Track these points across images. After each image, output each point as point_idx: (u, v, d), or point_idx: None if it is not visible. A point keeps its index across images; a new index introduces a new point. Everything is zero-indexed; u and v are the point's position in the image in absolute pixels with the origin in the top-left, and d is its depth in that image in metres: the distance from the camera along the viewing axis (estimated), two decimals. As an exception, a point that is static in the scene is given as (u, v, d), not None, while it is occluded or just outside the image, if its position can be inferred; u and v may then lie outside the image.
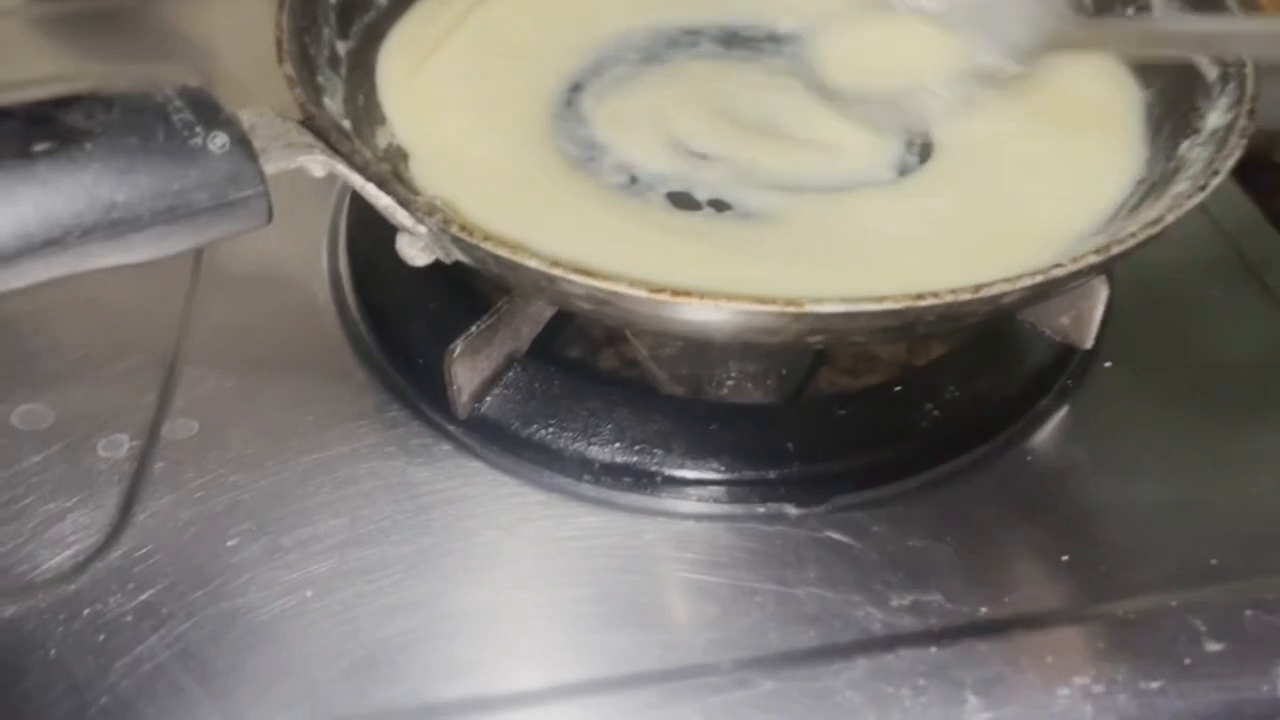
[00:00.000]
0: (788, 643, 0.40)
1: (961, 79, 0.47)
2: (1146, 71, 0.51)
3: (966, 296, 0.35)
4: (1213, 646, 0.40)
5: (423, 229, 0.38)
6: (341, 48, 0.50)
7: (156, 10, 0.70)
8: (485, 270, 0.39)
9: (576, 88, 0.52)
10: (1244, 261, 0.53)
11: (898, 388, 0.46)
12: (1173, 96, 0.48)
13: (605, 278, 0.35)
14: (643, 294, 0.35)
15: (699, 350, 0.49)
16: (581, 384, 0.46)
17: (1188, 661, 0.40)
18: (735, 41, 0.55)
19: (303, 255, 0.53)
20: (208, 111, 0.33)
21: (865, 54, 0.50)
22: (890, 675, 0.40)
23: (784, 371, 0.49)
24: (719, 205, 0.47)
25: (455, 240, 0.37)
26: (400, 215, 0.38)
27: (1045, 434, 0.47)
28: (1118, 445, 0.47)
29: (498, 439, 0.45)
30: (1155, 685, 0.40)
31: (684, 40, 0.54)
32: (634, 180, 0.47)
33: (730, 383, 0.49)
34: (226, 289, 0.52)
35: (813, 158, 0.47)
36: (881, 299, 0.35)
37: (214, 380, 0.48)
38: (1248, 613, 0.41)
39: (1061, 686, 0.39)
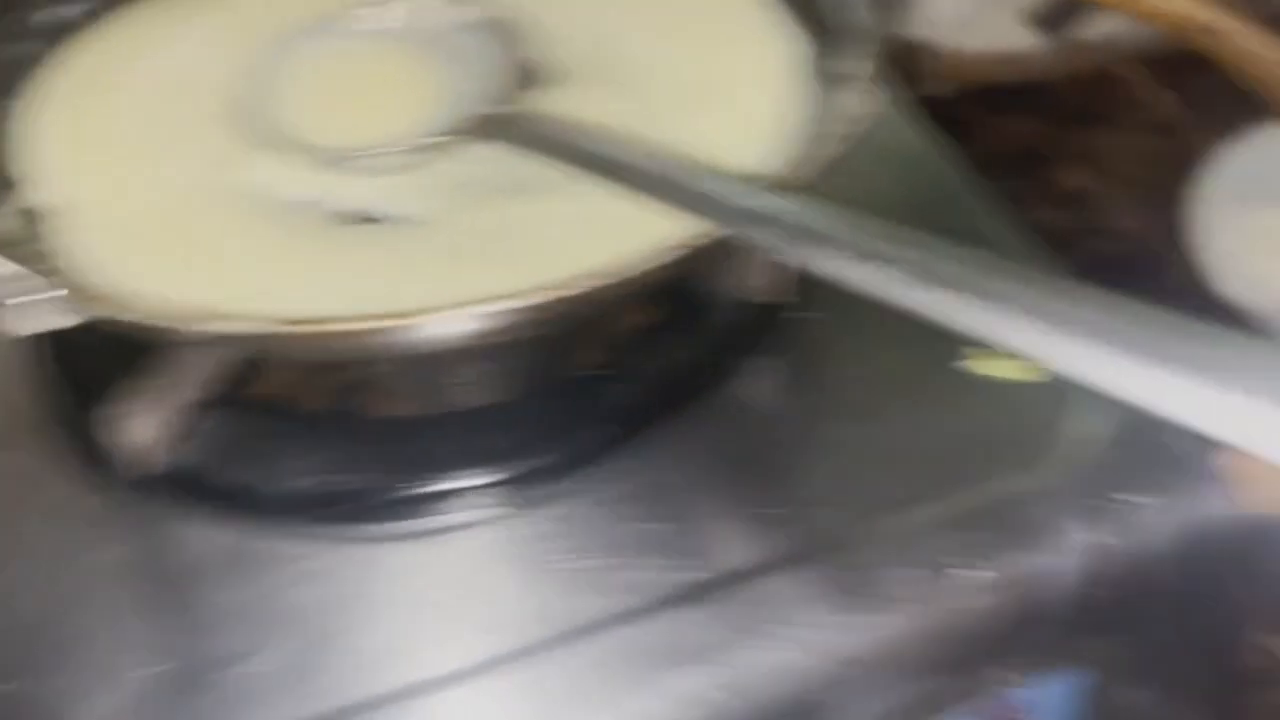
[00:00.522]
0: (510, 644, 0.40)
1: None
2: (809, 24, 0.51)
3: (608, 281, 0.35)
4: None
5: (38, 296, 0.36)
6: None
7: None
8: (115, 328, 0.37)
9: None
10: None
11: (608, 371, 0.46)
12: (831, 49, 0.49)
13: (221, 318, 0.34)
14: (245, 323, 0.34)
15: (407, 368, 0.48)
16: (271, 421, 0.45)
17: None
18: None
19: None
20: None
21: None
22: (601, 658, 0.40)
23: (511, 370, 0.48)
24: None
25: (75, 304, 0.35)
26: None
27: (746, 393, 0.48)
28: (815, 397, 0.48)
29: (183, 490, 0.43)
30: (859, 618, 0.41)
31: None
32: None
33: (457, 388, 0.48)
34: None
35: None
36: (526, 293, 0.35)
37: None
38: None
39: (767, 638, 0.40)
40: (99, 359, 0.46)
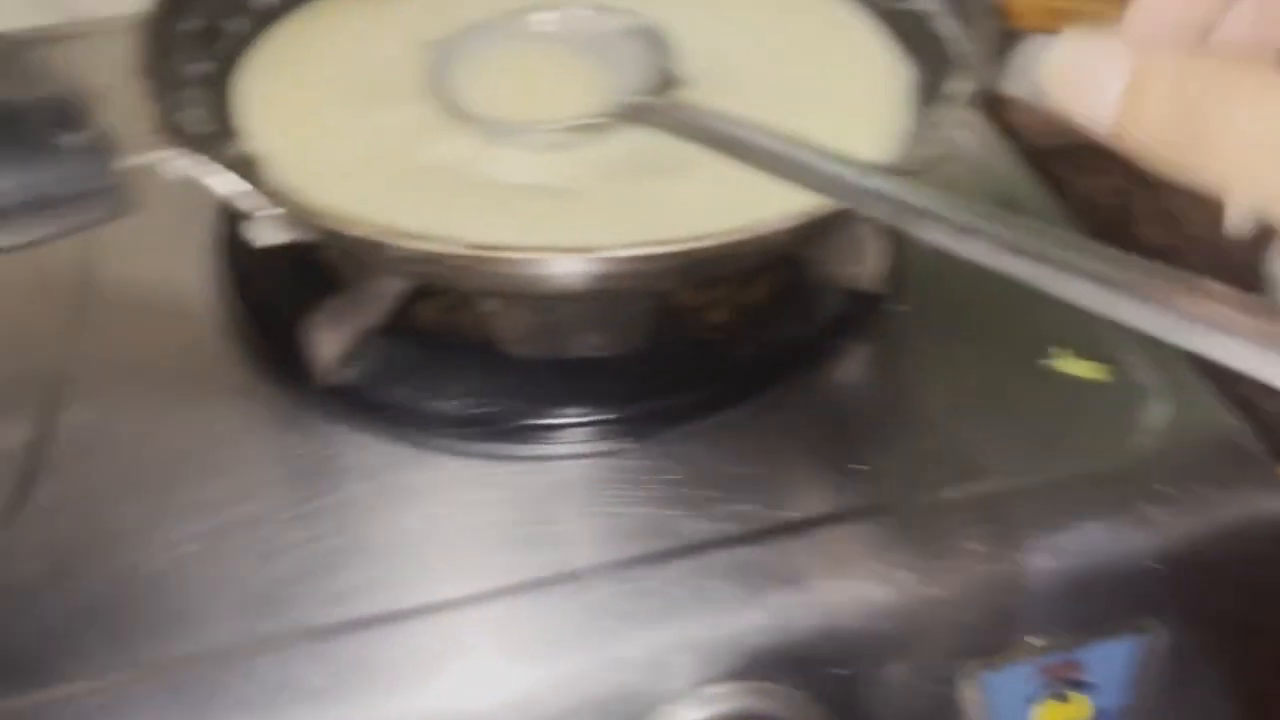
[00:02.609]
0: (611, 555, 0.46)
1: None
2: (907, 55, 0.58)
3: (738, 239, 0.42)
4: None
5: (272, 211, 0.43)
6: (198, 69, 0.55)
7: (31, 53, 0.75)
8: (332, 245, 0.44)
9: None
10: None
11: (718, 336, 0.53)
12: (930, 80, 0.55)
13: (415, 237, 0.41)
14: (451, 250, 0.41)
15: (548, 311, 0.55)
16: (435, 351, 0.52)
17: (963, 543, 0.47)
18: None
19: (188, 247, 0.58)
20: (65, 112, 0.39)
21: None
22: (700, 572, 0.45)
23: (617, 327, 0.54)
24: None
25: (294, 219, 0.43)
26: (240, 200, 0.43)
27: (850, 367, 0.54)
28: (906, 378, 0.54)
29: (359, 403, 0.51)
30: (933, 564, 0.46)
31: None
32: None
33: (576, 340, 0.55)
34: (113, 277, 0.56)
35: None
36: (664, 242, 0.41)
37: (104, 366, 0.53)
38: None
39: (855, 573, 0.46)
40: (294, 284, 0.54)
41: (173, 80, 0.52)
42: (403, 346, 0.52)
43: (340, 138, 0.54)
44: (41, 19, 0.76)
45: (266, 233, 0.44)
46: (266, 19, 0.60)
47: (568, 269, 0.42)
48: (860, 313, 0.55)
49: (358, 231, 0.41)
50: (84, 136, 0.38)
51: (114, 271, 0.57)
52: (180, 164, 0.42)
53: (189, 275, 0.57)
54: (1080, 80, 0.29)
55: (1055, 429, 0.52)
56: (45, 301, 0.55)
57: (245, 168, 0.51)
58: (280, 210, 0.43)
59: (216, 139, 0.52)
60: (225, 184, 0.42)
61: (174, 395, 0.52)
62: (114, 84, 0.71)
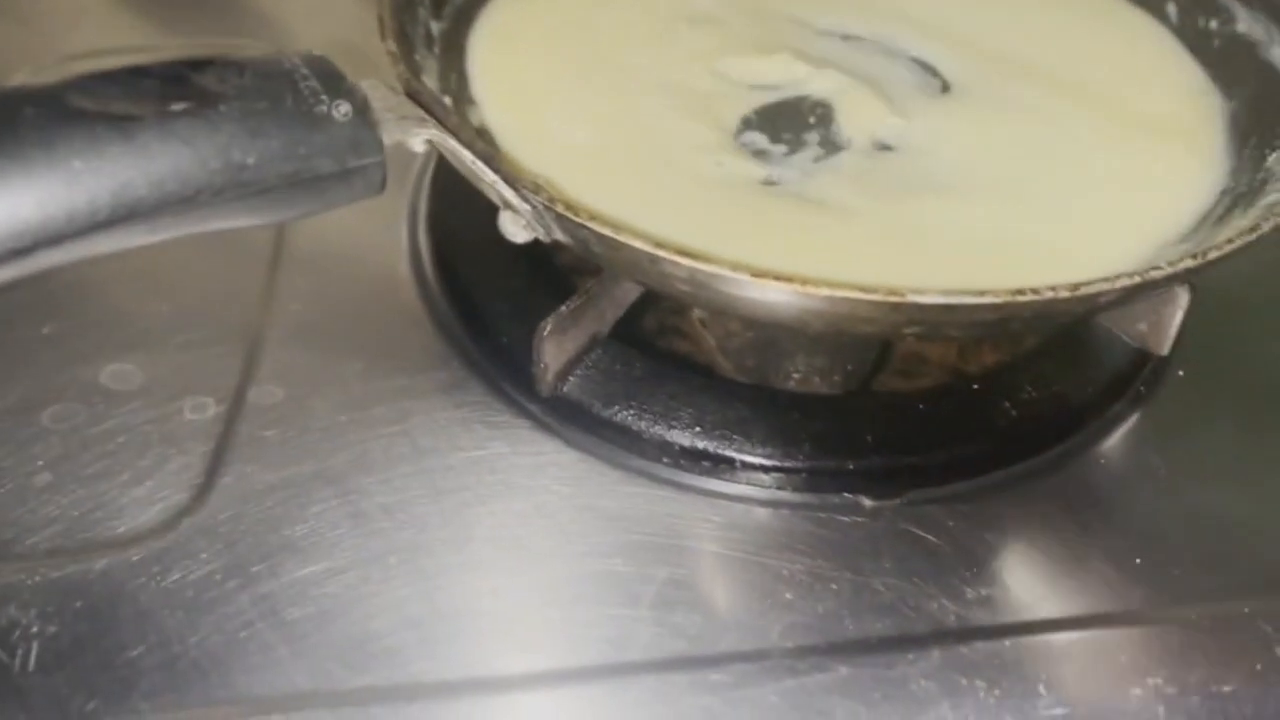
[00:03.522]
0: (863, 630, 0.41)
1: None
2: (1230, 81, 0.51)
3: (1065, 294, 0.36)
4: (1286, 653, 0.40)
5: (526, 206, 0.38)
6: (435, 28, 0.51)
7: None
8: (584, 250, 0.39)
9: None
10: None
11: (975, 385, 0.47)
12: (1259, 107, 0.49)
13: (707, 260, 0.36)
14: (745, 277, 0.36)
15: (769, 342, 0.50)
16: (662, 368, 0.47)
17: (1259, 667, 0.40)
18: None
19: (383, 229, 0.54)
20: (332, 80, 0.34)
21: None
22: (964, 666, 0.40)
23: (849, 367, 0.50)
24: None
25: (559, 218, 0.38)
26: (505, 192, 0.38)
27: (1118, 438, 0.47)
28: (1189, 452, 0.47)
29: (577, 418, 0.46)
30: (1227, 689, 0.40)
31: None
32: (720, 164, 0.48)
33: (797, 375, 0.49)
34: (308, 260, 0.52)
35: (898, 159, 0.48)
36: (982, 293, 0.35)
37: (297, 348, 0.49)
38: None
39: (1134, 686, 0.40)
40: (507, 276, 0.49)
41: (411, 39, 0.47)
42: (625, 358, 0.47)
43: (575, 121, 0.49)
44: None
45: (521, 229, 0.39)
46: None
47: (872, 313, 0.36)
48: (1140, 375, 0.49)
49: (641, 245, 0.36)
50: (347, 105, 0.34)
51: (308, 245, 0.53)
52: (437, 139, 0.37)
53: (388, 256, 0.53)
54: None
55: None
56: (240, 275, 0.51)
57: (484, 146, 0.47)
58: (548, 209, 0.38)
59: (458, 110, 0.47)
60: (486, 173, 0.38)
61: (369, 386, 0.47)
62: (314, 27, 0.70)
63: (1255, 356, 0.50)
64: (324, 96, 0.33)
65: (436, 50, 0.50)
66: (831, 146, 0.49)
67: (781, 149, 0.49)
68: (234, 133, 0.31)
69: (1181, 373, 0.49)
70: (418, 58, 0.47)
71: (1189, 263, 0.37)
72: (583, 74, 0.51)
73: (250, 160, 0.32)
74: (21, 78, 0.64)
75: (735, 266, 0.36)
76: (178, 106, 0.31)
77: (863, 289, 0.35)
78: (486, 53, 0.52)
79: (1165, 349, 0.47)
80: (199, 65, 0.32)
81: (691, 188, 0.46)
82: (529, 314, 0.48)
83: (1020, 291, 0.35)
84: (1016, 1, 0.56)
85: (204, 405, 0.46)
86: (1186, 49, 0.54)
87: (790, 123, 0.50)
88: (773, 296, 0.36)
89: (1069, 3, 0.56)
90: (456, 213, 0.53)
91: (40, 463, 0.44)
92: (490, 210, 0.52)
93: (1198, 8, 0.54)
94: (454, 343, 0.49)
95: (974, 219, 0.45)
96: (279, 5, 0.71)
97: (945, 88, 0.52)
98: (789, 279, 0.35)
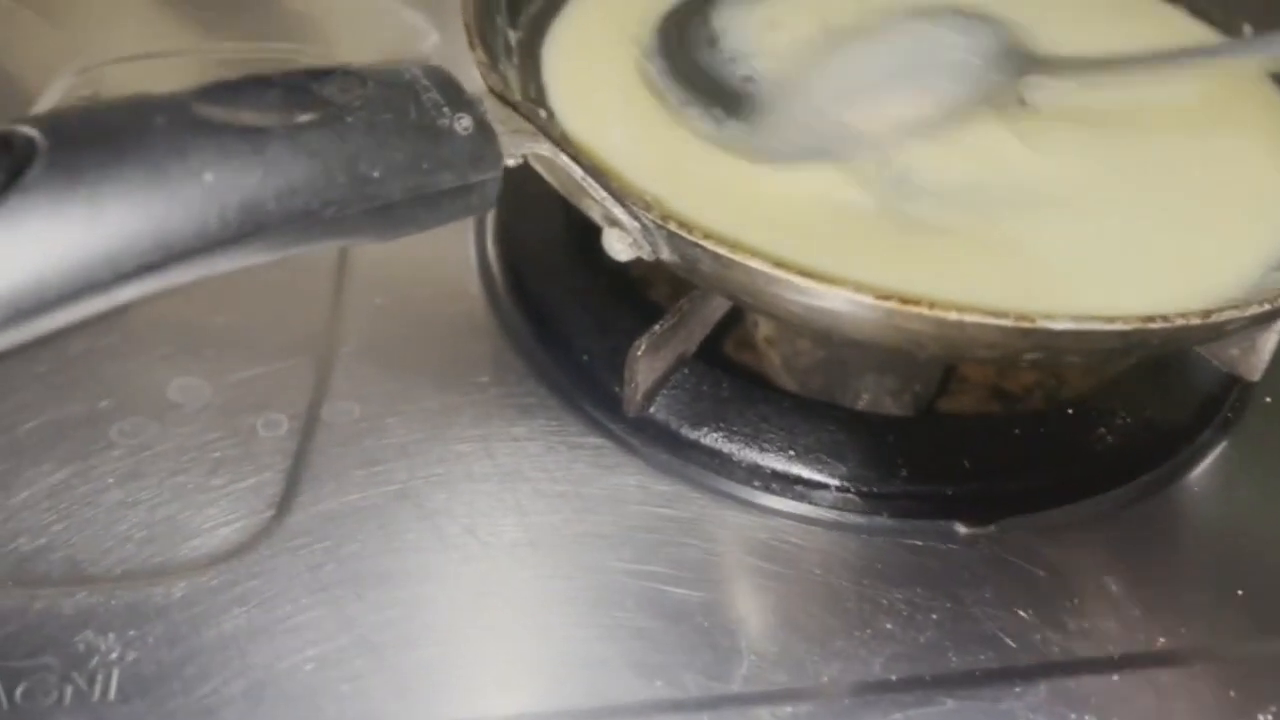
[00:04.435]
0: (967, 663, 0.40)
1: None
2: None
3: (1196, 321, 0.35)
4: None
5: (636, 224, 0.37)
6: (513, 37, 0.49)
7: (279, -9, 0.70)
8: (690, 269, 0.38)
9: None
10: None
11: (1069, 410, 0.46)
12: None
13: (830, 281, 0.35)
14: (869, 300, 0.35)
15: (837, 362, 0.49)
16: (749, 389, 0.45)
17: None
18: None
19: (449, 241, 0.53)
20: (452, 92, 0.33)
21: None
22: (1072, 700, 0.39)
23: (918, 388, 0.49)
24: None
25: (671, 236, 0.37)
26: (615, 210, 0.37)
27: (1208, 464, 0.47)
28: (1273, 485, 0.47)
29: (662, 440, 0.45)
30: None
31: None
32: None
33: (866, 396, 0.49)
34: (375, 273, 0.51)
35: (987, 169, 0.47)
36: (1112, 319, 0.34)
37: (368, 363, 0.47)
38: None
39: (1246, 721, 0.39)
40: (585, 292, 0.48)
41: (494, 50, 0.46)
42: (712, 378, 0.46)
43: (648, 136, 0.48)
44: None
45: (627, 246, 0.38)
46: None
47: (1000, 338, 0.35)
48: (1228, 400, 0.48)
49: (760, 265, 0.35)
50: (468, 119, 0.32)
51: (374, 257, 0.51)
52: (550, 153, 0.36)
53: (457, 269, 0.51)
54: None
55: None
56: (307, 287, 0.50)
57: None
58: (660, 227, 0.37)
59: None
60: (597, 189, 0.36)
61: (445, 402, 0.46)
62: (357, 30, 0.68)
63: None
64: (446, 109, 0.32)
65: (515, 60, 0.49)
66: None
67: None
68: (361, 144, 0.30)
69: (1269, 399, 0.49)
70: (500, 69, 0.46)
71: (1317, 290, 0.36)
72: (651, 84, 0.50)
73: (376, 173, 0.30)
74: (68, 80, 0.63)
75: (859, 288, 0.35)
76: (304, 118, 0.30)
77: (994, 314, 0.34)
78: (561, 61, 0.51)
79: (1258, 375, 0.47)
80: (321, 75, 0.31)
81: (772, 206, 0.45)
82: (606, 330, 0.47)
83: (1150, 319, 0.35)
84: (1096, 16, 0.55)
85: (277, 422, 0.45)
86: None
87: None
88: (894, 320, 0.35)
89: (1146, 21, 0.56)
90: (525, 224, 0.52)
91: (110, 480, 0.43)
92: (560, 221, 0.51)
93: (1273, 24, 0.53)
94: (528, 359, 0.48)
95: (1076, 237, 0.44)
96: (318, 8, 0.70)
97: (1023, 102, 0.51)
98: (916, 302, 0.34)
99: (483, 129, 0.33)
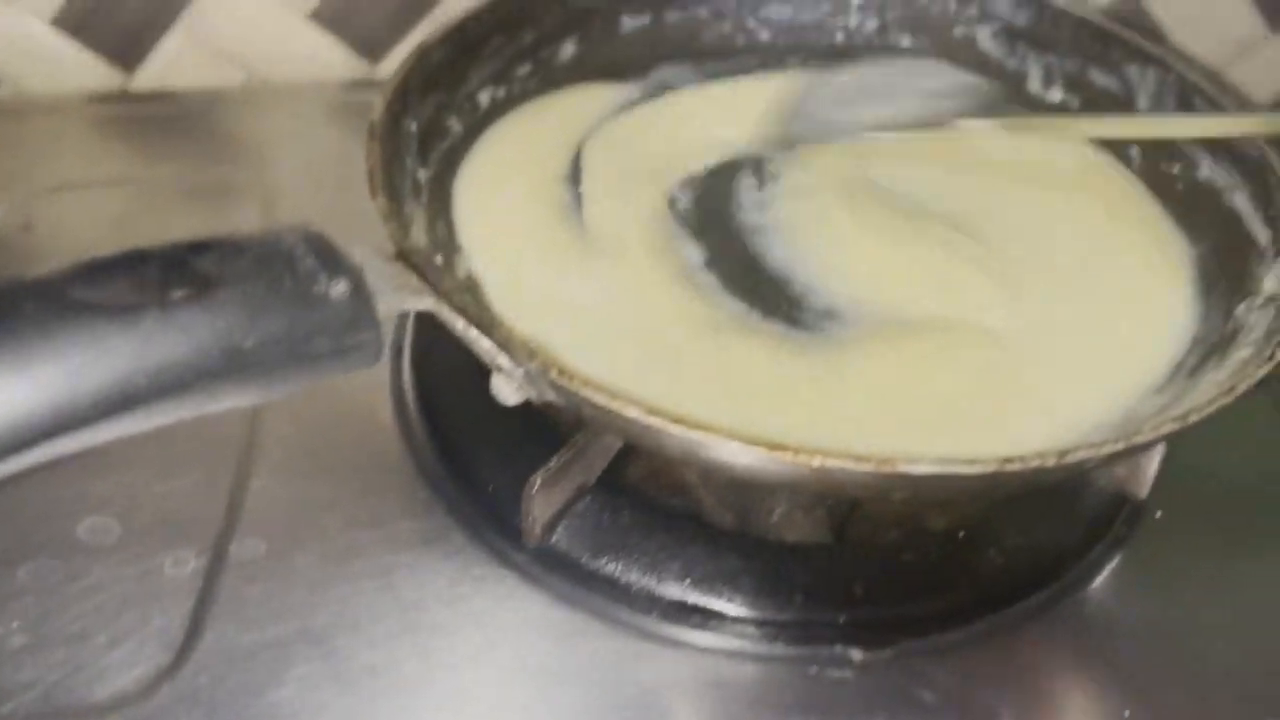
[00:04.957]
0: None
1: None
2: (1195, 228, 0.53)
3: (1052, 463, 0.36)
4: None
5: (520, 371, 0.39)
6: (422, 175, 0.51)
7: (216, 116, 0.72)
8: (577, 412, 0.40)
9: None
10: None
11: (960, 533, 0.47)
12: (1224, 255, 0.50)
13: (701, 428, 0.36)
14: (736, 445, 0.36)
15: (752, 486, 0.50)
16: (649, 517, 0.47)
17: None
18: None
19: (366, 372, 0.54)
20: (329, 258, 0.34)
21: None
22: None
23: (830, 503, 0.50)
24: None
25: (553, 385, 0.38)
26: (500, 359, 0.38)
27: (1101, 582, 0.48)
28: (1172, 595, 0.48)
29: (564, 570, 0.46)
30: None
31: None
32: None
33: (779, 511, 0.50)
34: (289, 406, 0.52)
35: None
36: (971, 462, 0.36)
37: (279, 498, 0.48)
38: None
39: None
40: (490, 425, 0.49)
41: (400, 191, 0.48)
42: (612, 507, 0.47)
43: (560, 269, 0.50)
44: (223, 79, 0.74)
45: (514, 391, 0.39)
46: (492, 114, 0.56)
47: (864, 480, 0.36)
48: (1119, 517, 0.49)
49: (635, 414, 0.36)
50: (344, 284, 0.34)
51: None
52: (432, 308, 0.38)
53: (371, 401, 0.53)
54: None
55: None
56: (221, 422, 0.51)
57: (471, 296, 0.47)
58: (542, 375, 0.38)
59: (445, 261, 0.48)
60: (481, 340, 0.38)
61: (352, 537, 0.47)
62: (298, 153, 0.70)
63: (1231, 493, 0.51)
64: (321, 276, 0.34)
65: (424, 199, 0.50)
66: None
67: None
68: (233, 318, 0.31)
69: (1160, 514, 0.50)
70: (406, 210, 0.48)
71: (1171, 426, 0.38)
72: (564, 218, 0.52)
73: (248, 344, 0.32)
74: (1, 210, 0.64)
75: (728, 434, 0.36)
76: (178, 294, 0.31)
77: (855, 458, 0.36)
78: (472, 197, 0.53)
79: (1144, 493, 0.48)
80: (200, 248, 0.33)
81: (674, 335, 0.47)
82: (514, 461, 0.48)
83: (1009, 460, 0.36)
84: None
85: (184, 559, 0.46)
86: (1151, 193, 0.55)
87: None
88: (765, 464, 0.37)
89: (1037, 146, 0.58)
90: (441, 356, 0.53)
91: (16, 624, 0.43)
92: (474, 356, 0.53)
93: (1159, 152, 0.56)
94: (437, 490, 0.49)
95: (956, 366, 0.46)
96: (260, 132, 0.72)
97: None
98: (781, 448, 0.36)
99: (359, 292, 0.35)
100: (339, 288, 0.34)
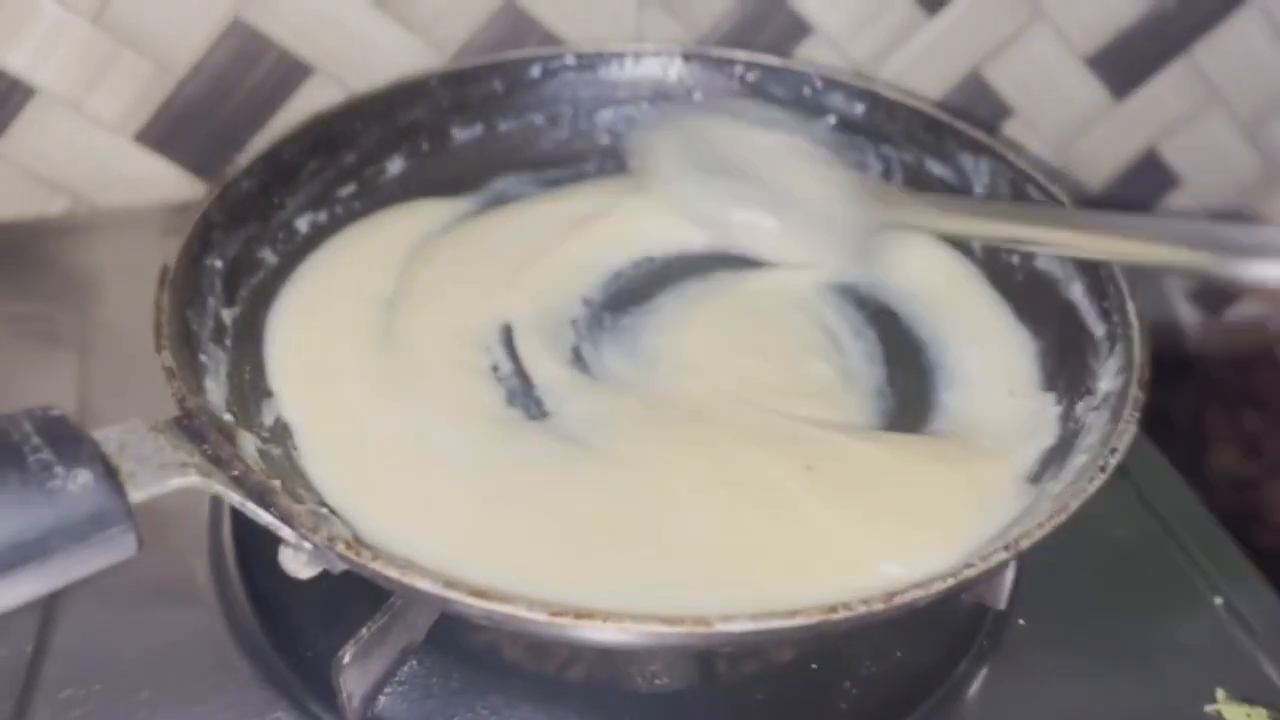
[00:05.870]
0: None
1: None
2: (1038, 321, 0.52)
3: (879, 607, 0.34)
4: None
5: (307, 545, 0.36)
6: (227, 316, 0.48)
7: (37, 246, 0.68)
8: (374, 583, 0.37)
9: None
10: (1144, 503, 0.53)
11: (813, 665, 0.44)
12: (1064, 349, 0.49)
13: (501, 600, 0.33)
14: (542, 617, 0.33)
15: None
16: (482, 676, 0.43)
17: None
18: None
19: (182, 528, 0.50)
20: (68, 446, 0.31)
21: None
22: None
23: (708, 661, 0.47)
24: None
25: (341, 558, 0.35)
26: (283, 531, 0.35)
27: (967, 701, 0.46)
28: (1038, 705, 0.46)
29: (394, 739, 0.42)
30: None
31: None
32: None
33: (643, 673, 0.46)
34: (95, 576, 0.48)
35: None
36: (793, 613, 0.34)
37: (78, 681, 0.44)
38: None
39: None
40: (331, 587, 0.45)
41: (196, 337, 0.45)
42: (442, 667, 0.43)
43: (376, 425, 0.46)
44: (49, 206, 0.70)
45: (304, 565, 0.36)
46: (313, 240, 0.53)
47: (681, 641, 0.34)
48: (982, 629, 0.47)
49: (429, 586, 0.33)
50: (86, 474, 0.30)
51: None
52: (202, 485, 0.34)
53: (186, 555, 0.48)
54: None
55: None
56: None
57: (282, 449, 0.44)
58: (327, 548, 0.35)
59: (247, 409, 0.44)
60: (260, 514, 0.35)
61: (176, 715, 0.43)
62: (124, 284, 0.66)
63: (1090, 595, 0.49)
64: (58, 469, 0.30)
65: (228, 341, 0.47)
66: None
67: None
68: (-56, 527, 0.28)
69: (1022, 621, 0.48)
70: (203, 357, 0.45)
71: (1002, 555, 0.36)
72: (384, 346, 0.49)
73: (-31, 554, 0.28)
74: None
75: (530, 605, 0.33)
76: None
77: (667, 622, 0.33)
78: (286, 332, 0.50)
79: (1003, 604, 0.46)
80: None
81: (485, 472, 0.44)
82: (338, 625, 0.44)
83: (833, 609, 0.34)
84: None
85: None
86: (993, 285, 0.54)
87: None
88: (574, 633, 0.34)
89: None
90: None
91: None
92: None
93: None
94: (257, 658, 0.45)
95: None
96: (84, 263, 0.68)
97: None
98: (589, 615, 0.33)
99: (105, 480, 0.31)
100: (79, 480, 0.31)
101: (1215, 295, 0.92)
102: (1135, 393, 0.42)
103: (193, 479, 0.34)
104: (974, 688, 0.46)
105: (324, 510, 0.39)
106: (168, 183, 0.70)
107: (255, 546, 0.48)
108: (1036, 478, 0.44)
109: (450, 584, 0.34)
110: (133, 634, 0.46)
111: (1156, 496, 0.54)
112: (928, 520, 0.42)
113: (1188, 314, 0.93)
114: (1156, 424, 0.57)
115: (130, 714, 0.43)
